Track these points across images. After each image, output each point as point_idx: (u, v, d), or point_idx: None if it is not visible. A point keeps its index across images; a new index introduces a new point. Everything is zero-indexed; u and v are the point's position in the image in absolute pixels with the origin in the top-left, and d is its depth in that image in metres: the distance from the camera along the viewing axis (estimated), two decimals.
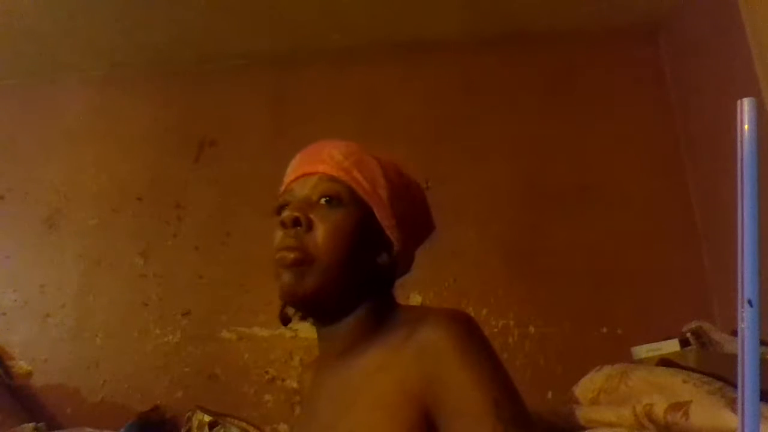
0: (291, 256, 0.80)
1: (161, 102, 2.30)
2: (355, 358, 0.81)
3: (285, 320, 0.88)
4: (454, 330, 0.73)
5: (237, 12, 2.04)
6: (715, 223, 1.91)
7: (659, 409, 0.97)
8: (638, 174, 2.06)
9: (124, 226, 2.17)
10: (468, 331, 0.75)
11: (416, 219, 0.91)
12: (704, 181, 1.97)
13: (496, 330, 1.93)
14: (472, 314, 0.92)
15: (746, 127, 0.40)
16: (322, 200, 0.83)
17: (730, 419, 0.86)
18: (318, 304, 0.82)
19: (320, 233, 0.81)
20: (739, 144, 0.40)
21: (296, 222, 0.81)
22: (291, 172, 0.89)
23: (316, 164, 0.86)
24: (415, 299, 1.97)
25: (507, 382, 0.73)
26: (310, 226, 0.81)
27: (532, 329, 1.94)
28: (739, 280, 0.39)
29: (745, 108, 0.40)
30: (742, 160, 0.40)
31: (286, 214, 0.82)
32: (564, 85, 2.18)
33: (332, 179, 0.84)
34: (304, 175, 0.86)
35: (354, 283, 0.82)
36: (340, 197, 0.83)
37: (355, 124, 2.14)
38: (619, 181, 2.05)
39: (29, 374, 2.04)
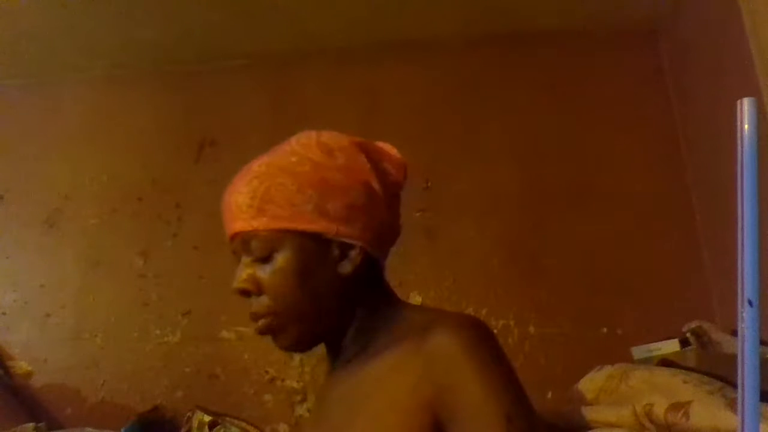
0: (259, 325, 0.82)
1: (161, 102, 2.29)
2: (365, 362, 0.81)
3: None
4: (466, 337, 0.72)
5: (237, 12, 2.03)
6: (715, 222, 1.91)
7: (659, 409, 0.97)
8: (638, 174, 2.06)
9: (124, 226, 2.16)
10: (480, 339, 0.73)
11: (369, 190, 0.83)
12: (704, 181, 1.97)
13: (496, 330, 1.91)
14: (472, 314, 0.91)
15: (746, 127, 0.40)
16: (254, 260, 0.82)
17: (730, 419, 0.86)
18: (310, 343, 0.85)
19: (270, 292, 0.81)
20: (739, 144, 0.40)
21: (246, 293, 0.83)
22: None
23: (231, 223, 0.84)
24: (415, 299, 1.96)
25: (519, 392, 0.72)
26: (260, 291, 0.81)
27: (532, 329, 1.93)
28: (739, 280, 0.39)
29: (745, 108, 0.40)
30: (742, 160, 0.40)
31: (234, 287, 0.83)
32: (564, 85, 2.17)
33: (249, 236, 0.81)
34: (230, 238, 0.85)
35: (330, 308, 0.83)
36: (266, 248, 0.81)
37: (355, 123, 2.13)
38: (619, 181, 2.05)
39: (29, 374, 2.03)
